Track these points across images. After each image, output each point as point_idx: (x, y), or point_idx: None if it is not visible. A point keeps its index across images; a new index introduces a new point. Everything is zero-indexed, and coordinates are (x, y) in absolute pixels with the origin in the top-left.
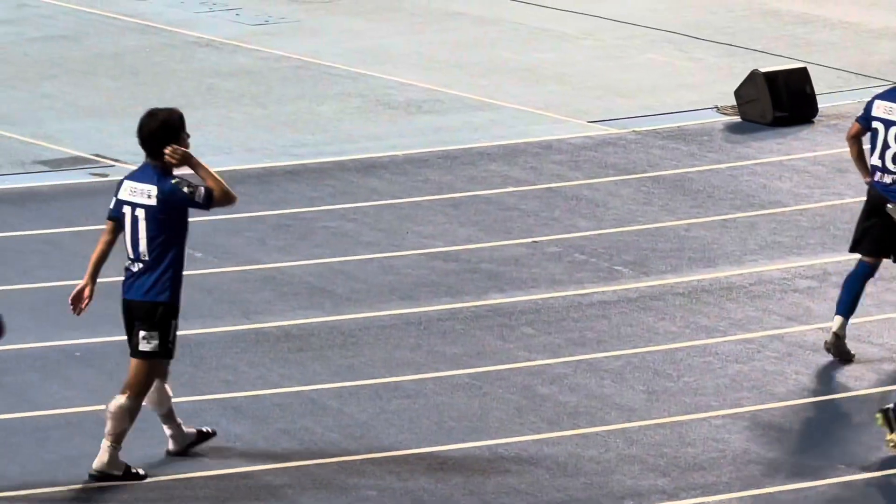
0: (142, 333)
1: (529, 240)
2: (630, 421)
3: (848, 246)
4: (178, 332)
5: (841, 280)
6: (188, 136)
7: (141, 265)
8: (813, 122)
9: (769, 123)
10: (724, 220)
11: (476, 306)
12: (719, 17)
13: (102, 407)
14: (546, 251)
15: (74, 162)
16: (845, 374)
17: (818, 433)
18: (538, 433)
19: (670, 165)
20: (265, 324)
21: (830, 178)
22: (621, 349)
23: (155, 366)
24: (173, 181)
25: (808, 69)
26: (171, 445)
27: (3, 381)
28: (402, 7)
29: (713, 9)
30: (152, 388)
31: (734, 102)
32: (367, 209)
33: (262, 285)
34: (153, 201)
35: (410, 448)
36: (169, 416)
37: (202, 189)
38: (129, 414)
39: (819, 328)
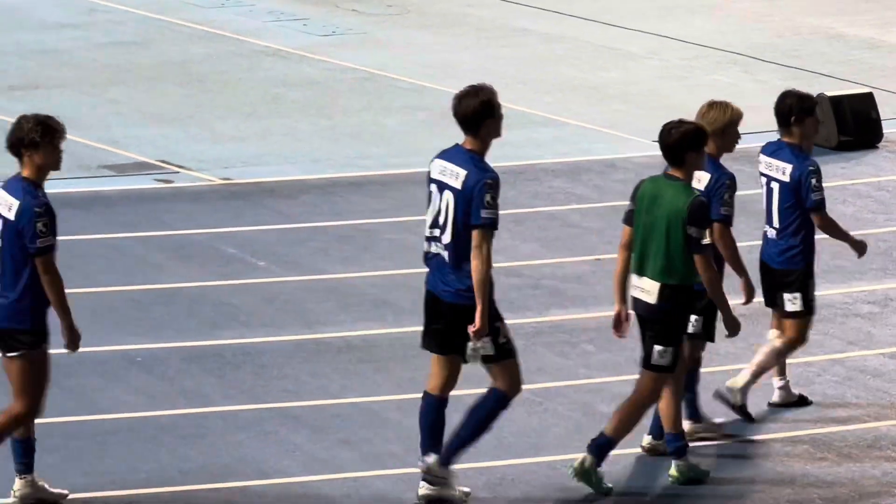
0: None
1: (592, 257)
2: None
3: None
4: (240, 341)
5: None
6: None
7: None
8: (877, 148)
9: (834, 148)
10: None
11: (537, 322)
12: (785, 41)
13: (162, 413)
14: (608, 269)
15: (139, 167)
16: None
17: (879, 458)
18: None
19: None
20: (327, 334)
21: (894, 204)
22: None
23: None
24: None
25: (874, 94)
26: None
27: (65, 384)
28: (468, 22)
29: (779, 31)
30: None
31: None
32: None
33: (325, 296)
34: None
35: (469, 462)
36: None
37: None
38: None
39: (880, 353)
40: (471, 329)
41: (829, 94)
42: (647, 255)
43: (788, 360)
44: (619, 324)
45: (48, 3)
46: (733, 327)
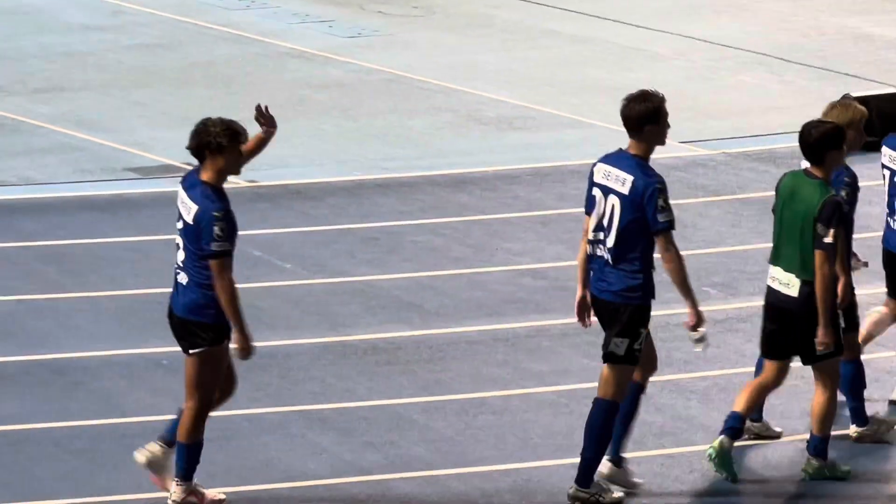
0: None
1: None
2: None
3: None
4: (266, 343)
5: None
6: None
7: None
8: None
9: (860, 148)
10: None
11: (563, 324)
12: (811, 41)
13: None
14: None
15: (165, 170)
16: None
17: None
18: (623, 452)
19: (760, 188)
20: (353, 336)
21: None
22: (708, 370)
23: None
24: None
25: None
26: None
27: (91, 386)
28: (494, 23)
29: (805, 32)
30: None
31: None
32: (457, 224)
33: (351, 298)
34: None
35: (495, 464)
36: None
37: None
38: None
39: None
40: (687, 324)
41: (856, 94)
42: (781, 247)
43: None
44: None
45: (73, 5)
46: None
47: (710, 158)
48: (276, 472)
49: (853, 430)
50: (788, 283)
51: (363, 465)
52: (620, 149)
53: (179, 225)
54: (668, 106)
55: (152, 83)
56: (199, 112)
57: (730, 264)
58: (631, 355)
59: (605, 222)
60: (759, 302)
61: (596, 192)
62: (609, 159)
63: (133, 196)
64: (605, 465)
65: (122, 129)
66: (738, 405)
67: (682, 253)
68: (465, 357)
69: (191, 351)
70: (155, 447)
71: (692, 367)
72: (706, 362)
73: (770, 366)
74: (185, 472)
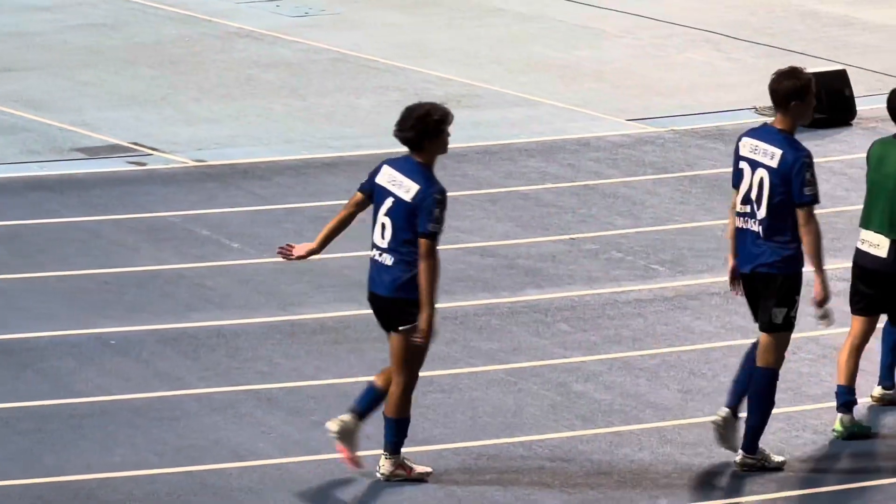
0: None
1: (567, 237)
2: (664, 420)
3: None
4: (214, 323)
5: None
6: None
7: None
8: (851, 125)
9: (807, 125)
10: None
11: (512, 302)
12: (759, 18)
13: (136, 396)
14: (583, 248)
15: (112, 150)
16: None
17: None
18: (572, 430)
19: (708, 165)
20: (301, 315)
21: None
22: (657, 348)
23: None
24: None
25: (847, 71)
26: None
27: (39, 367)
28: (442, 2)
29: (752, 9)
30: None
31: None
32: None
33: (299, 277)
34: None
35: (444, 443)
36: None
37: None
38: None
39: None
40: (813, 299)
41: None
42: (873, 211)
43: None
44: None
45: None
46: None
47: (657, 136)
48: (224, 452)
49: (878, 391)
50: (878, 244)
51: (312, 445)
52: (765, 123)
53: (387, 205)
54: (616, 84)
55: (99, 63)
56: (146, 92)
57: (678, 241)
58: (788, 323)
59: (755, 195)
60: (709, 279)
61: (743, 165)
62: (755, 133)
63: (81, 176)
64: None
65: (70, 109)
66: (841, 378)
67: (632, 230)
68: None
69: (400, 328)
70: (347, 417)
71: (640, 344)
72: (654, 339)
73: (857, 323)
74: (394, 446)
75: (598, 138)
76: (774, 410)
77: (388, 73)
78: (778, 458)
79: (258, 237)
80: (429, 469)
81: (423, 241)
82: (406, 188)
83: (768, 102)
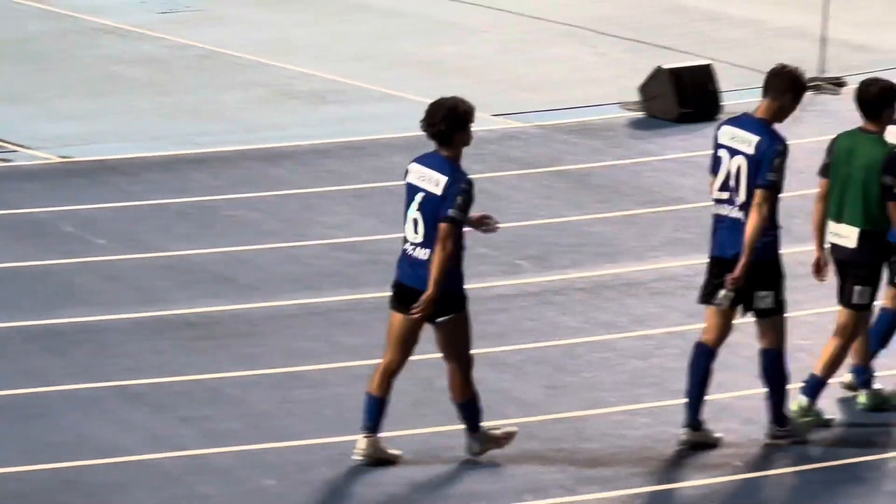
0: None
1: None
2: (529, 415)
3: None
4: (80, 319)
5: None
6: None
7: None
8: (717, 119)
9: (674, 120)
10: (626, 215)
11: (377, 297)
12: (625, 13)
13: (1, 392)
14: None
15: None
16: (742, 371)
17: (720, 430)
18: (437, 426)
19: (574, 160)
20: (168, 311)
21: None
22: (521, 343)
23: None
24: None
25: (714, 66)
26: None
27: None
28: None
29: (619, 4)
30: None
31: (639, 98)
32: (271, 199)
33: (166, 273)
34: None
35: (311, 438)
36: None
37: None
38: None
39: None
40: (729, 277)
41: (668, 66)
42: (844, 203)
43: (624, 334)
44: (818, 269)
45: None
46: None
47: (522, 131)
48: (89, 449)
49: (849, 378)
50: (849, 236)
51: (178, 441)
52: (745, 113)
53: (418, 199)
54: (481, 79)
55: None
56: (10, 88)
57: (543, 237)
58: (780, 305)
59: (732, 183)
60: (574, 274)
61: (722, 153)
62: (735, 122)
63: None
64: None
65: None
66: (855, 359)
67: (501, 226)
68: (280, 331)
69: (438, 320)
70: (364, 442)
71: (506, 340)
72: (520, 334)
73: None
74: (474, 424)
75: None
76: (639, 405)
77: (253, 70)
78: (717, 435)
79: (124, 233)
80: (514, 429)
81: (442, 226)
82: (435, 181)
83: (635, 98)
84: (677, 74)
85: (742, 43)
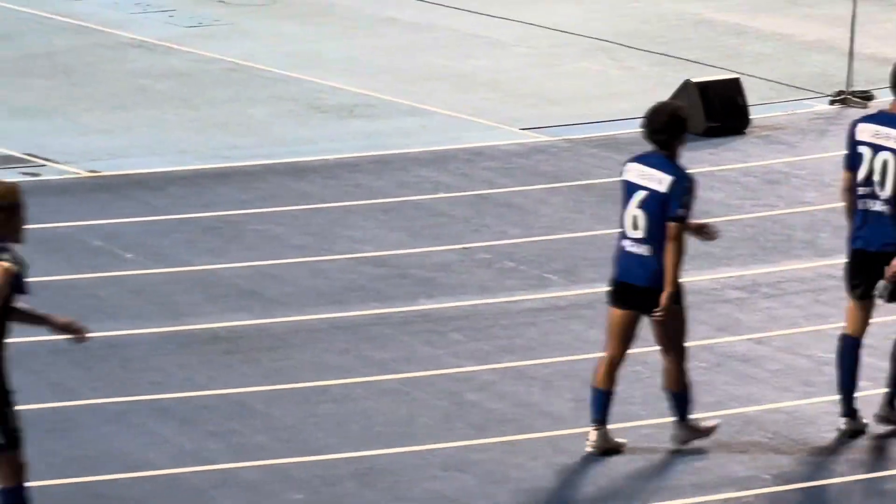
0: None
1: (459, 246)
2: (558, 429)
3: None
4: (107, 333)
5: (772, 291)
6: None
7: None
8: (745, 134)
9: (701, 134)
10: None
11: (405, 312)
12: (652, 27)
13: (28, 406)
14: (476, 258)
15: (5, 161)
16: (768, 385)
17: (746, 443)
18: (466, 440)
19: (602, 174)
20: (194, 326)
21: (761, 190)
22: (550, 357)
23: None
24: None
25: (741, 80)
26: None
27: None
28: (335, 12)
29: (646, 18)
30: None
31: None
32: (298, 213)
33: (192, 287)
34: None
35: (338, 452)
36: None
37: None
38: None
39: (748, 339)
40: (889, 270)
41: (696, 80)
42: None
43: (653, 347)
44: None
45: None
46: None
47: (551, 145)
48: (116, 463)
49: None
50: None
51: (204, 455)
52: (881, 110)
53: (640, 196)
54: (510, 93)
55: None
56: (39, 103)
57: (572, 251)
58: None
59: (877, 178)
60: (602, 288)
61: (863, 149)
62: (874, 119)
63: None
64: None
65: None
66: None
67: (525, 239)
68: (306, 345)
69: (654, 312)
70: (594, 434)
71: (534, 354)
72: (547, 348)
73: None
74: (684, 413)
75: (492, 147)
76: (669, 419)
77: (282, 83)
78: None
79: (151, 247)
80: (717, 422)
81: (671, 225)
82: (658, 179)
83: None
84: (705, 88)
85: (770, 57)
